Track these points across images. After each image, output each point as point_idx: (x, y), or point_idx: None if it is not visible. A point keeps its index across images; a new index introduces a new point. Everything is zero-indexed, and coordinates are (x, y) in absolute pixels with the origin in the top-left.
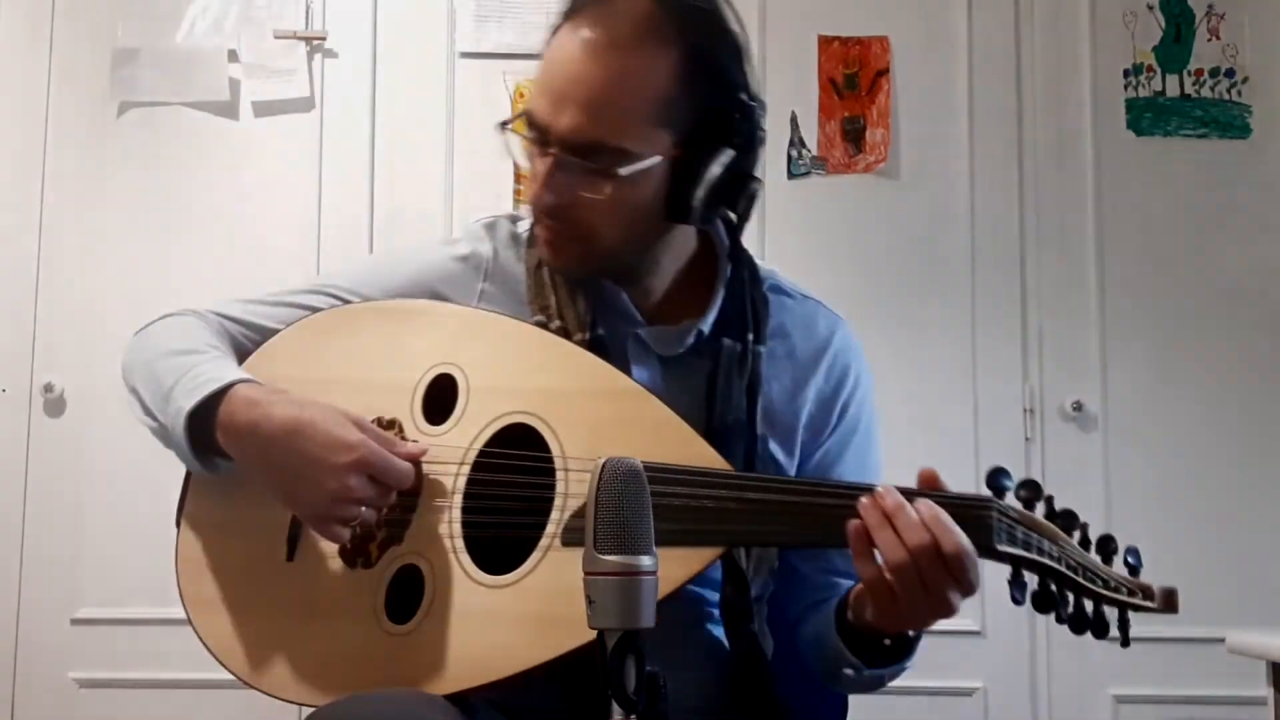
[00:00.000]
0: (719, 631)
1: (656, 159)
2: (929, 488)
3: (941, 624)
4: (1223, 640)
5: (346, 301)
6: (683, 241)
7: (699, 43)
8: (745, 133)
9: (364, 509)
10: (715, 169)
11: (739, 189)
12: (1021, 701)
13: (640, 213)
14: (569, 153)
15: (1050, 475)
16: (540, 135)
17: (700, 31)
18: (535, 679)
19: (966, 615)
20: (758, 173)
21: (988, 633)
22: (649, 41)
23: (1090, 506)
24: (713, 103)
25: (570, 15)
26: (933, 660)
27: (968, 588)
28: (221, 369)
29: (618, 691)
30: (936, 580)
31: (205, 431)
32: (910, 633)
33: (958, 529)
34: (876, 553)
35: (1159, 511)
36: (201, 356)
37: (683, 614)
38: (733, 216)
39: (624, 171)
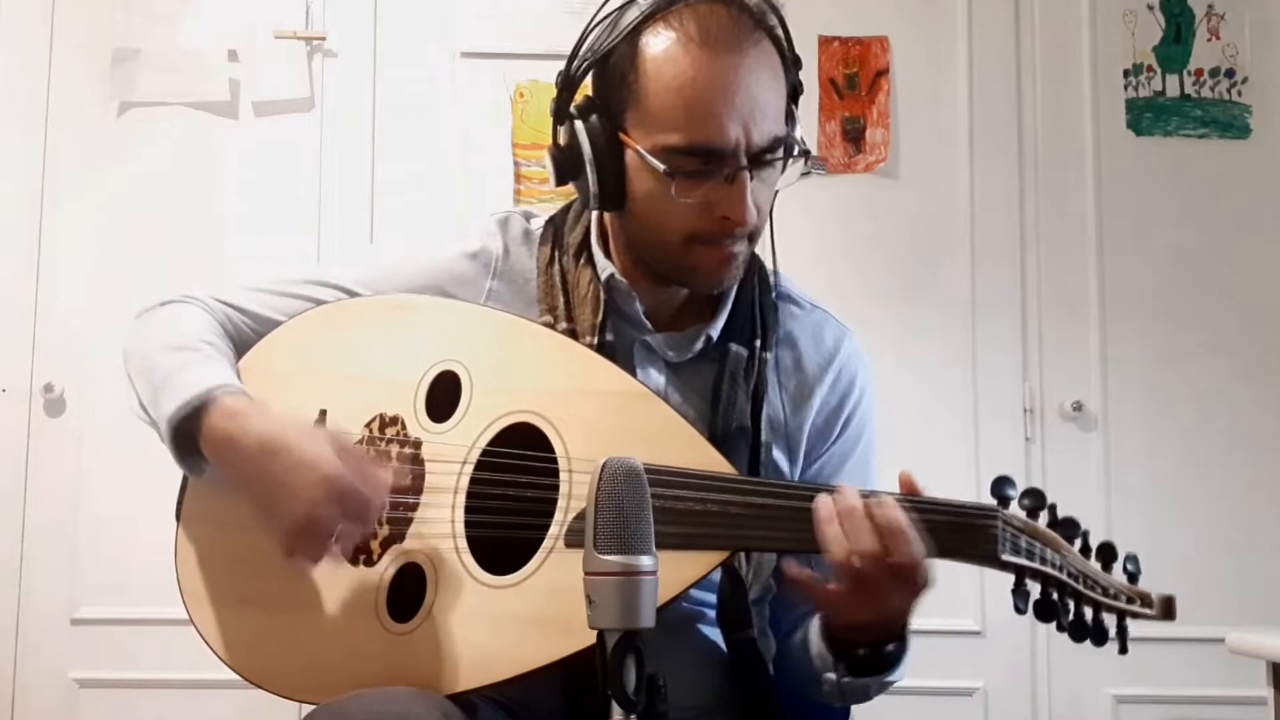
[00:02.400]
0: (710, 632)
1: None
2: (907, 492)
3: (941, 624)
4: (1223, 640)
5: (353, 295)
6: None
7: (771, 26)
8: (799, 93)
9: (334, 539)
10: (798, 129)
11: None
12: (1021, 701)
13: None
14: (756, 159)
15: (1050, 475)
16: (710, 160)
17: (766, 13)
18: (537, 678)
19: (966, 615)
20: None
21: (988, 633)
22: (752, 32)
23: (1090, 506)
24: (788, 73)
25: (644, 31)
26: (933, 660)
27: (915, 589)
28: (210, 373)
29: (618, 692)
30: (878, 585)
31: (190, 436)
32: (889, 646)
33: (909, 535)
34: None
35: (1159, 511)
36: (195, 355)
37: (674, 614)
38: None
39: (796, 153)
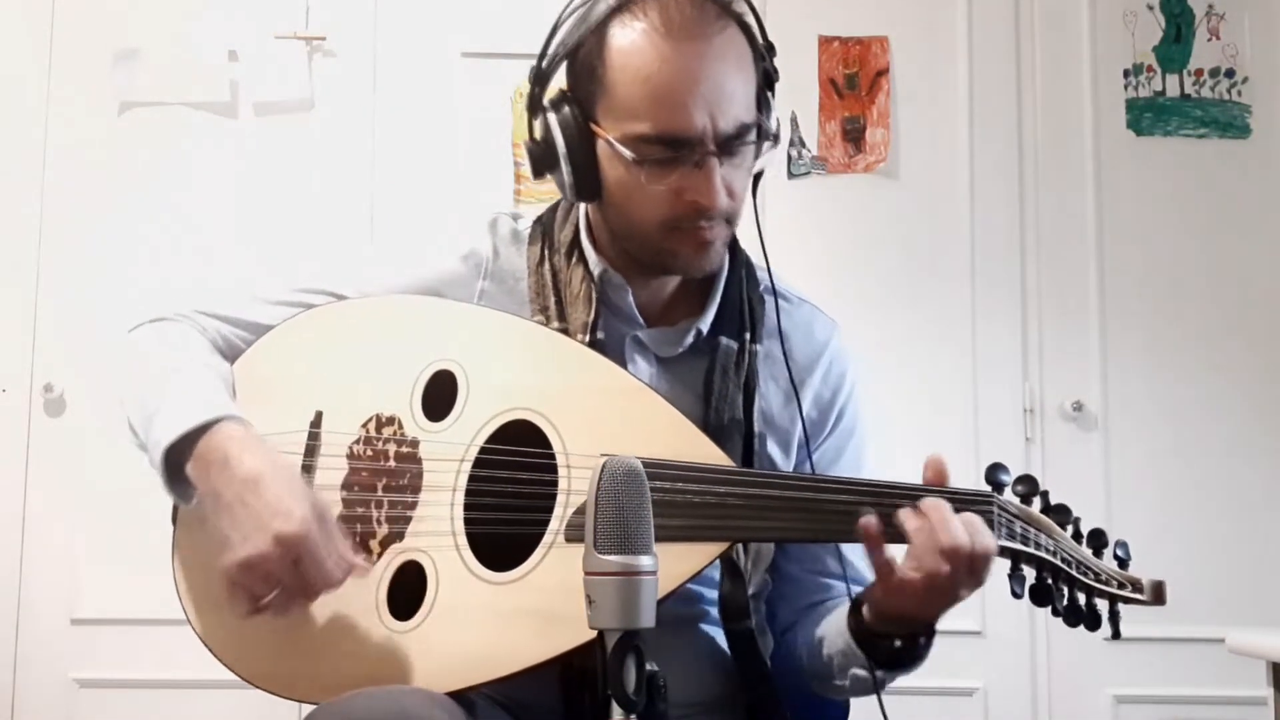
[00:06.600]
0: (709, 631)
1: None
2: (936, 482)
3: (942, 624)
4: (1223, 640)
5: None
6: None
7: (739, 14)
8: (765, 70)
9: (275, 592)
10: (773, 116)
11: (775, 127)
12: (1021, 701)
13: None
14: (725, 145)
15: (1050, 475)
16: (678, 148)
17: (733, 1)
18: (537, 676)
19: (966, 615)
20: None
21: (988, 633)
22: (717, 19)
23: (1090, 506)
24: (759, 60)
25: (611, 23)
26: (933, 660)
27: (979, 583)
28: (209, 400)
29: (618, 691)
30: (956, 580)
31: (180, 460)
32: (921, 639)
33: (987, 533)
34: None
35: (1159, 511)
36: (189, 380)
37: (677, 612)
38: None
39: (764, 140)
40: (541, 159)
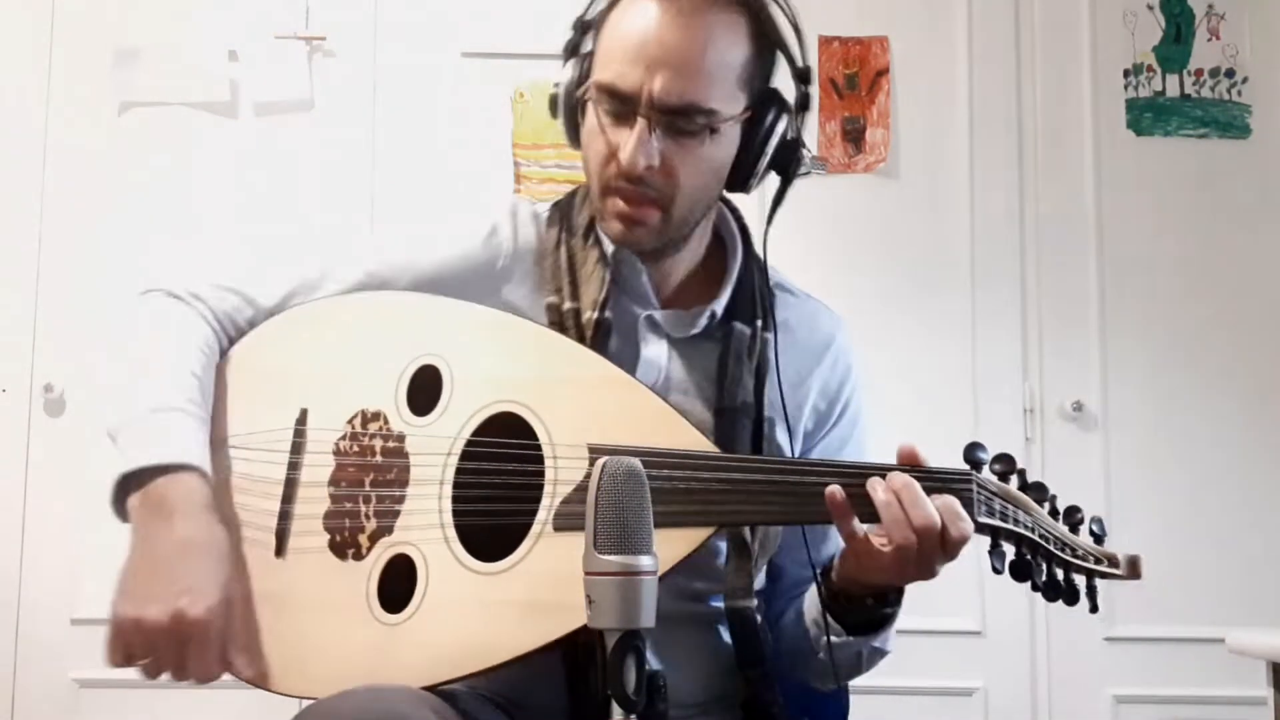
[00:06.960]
0: (710, 631)
1: (738, 120)
2: (909, 464)
3: (942, 624)
4: (1223, 640)
5: (361, 284)
6: (707, 226)
7: (759, 6)
8: (801, 94)
9: (149, 659)
10: (779, 130)
11: (792, 152)
12: (1021, 701)
13: (714, 177)
14: (663, 115)
15: (1050, 475)
16: (624, 103)
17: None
18: (535, 676)
19: (966, 615)
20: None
21: (988, 633)
22: (722, 3)
23: (1090, 506)
24: (774, 64)
25: None
26: (933, 660)
27: (953, 558)
28: (183, 439)
29: (618, 691)
30: (927, 555)
31: (131, 483)
32: (891, 595)
33: (962, 512)
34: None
35: (1159, 511)
36: (170, 402)
37: (675, 612)
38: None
39: (717, 129)
40: (553, 101)
